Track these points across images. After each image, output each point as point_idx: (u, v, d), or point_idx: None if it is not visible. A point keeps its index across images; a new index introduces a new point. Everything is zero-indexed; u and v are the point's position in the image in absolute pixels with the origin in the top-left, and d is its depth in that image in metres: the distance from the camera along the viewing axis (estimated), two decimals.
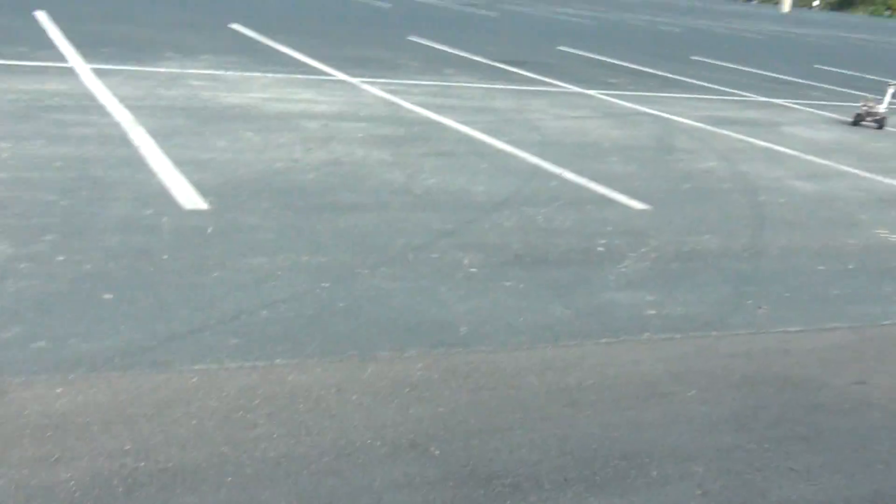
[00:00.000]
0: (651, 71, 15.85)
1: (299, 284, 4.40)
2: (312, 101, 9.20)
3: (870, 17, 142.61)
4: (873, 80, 17.72)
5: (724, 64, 19.11)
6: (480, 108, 9.98)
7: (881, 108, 12.02)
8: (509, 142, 8.28)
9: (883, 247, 6.20)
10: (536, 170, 7.34)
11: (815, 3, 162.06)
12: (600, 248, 5.48)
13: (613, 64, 16.46)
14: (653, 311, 4.56)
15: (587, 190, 6.87)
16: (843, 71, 20.50)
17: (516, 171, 7.24)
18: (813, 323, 4.63)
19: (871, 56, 29.18)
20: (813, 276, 5.41)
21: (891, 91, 12.42)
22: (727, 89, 14.15)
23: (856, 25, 61.78)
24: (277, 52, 12.75)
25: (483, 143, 8.12)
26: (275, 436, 3.09)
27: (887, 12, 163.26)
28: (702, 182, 7.53)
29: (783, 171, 8.26)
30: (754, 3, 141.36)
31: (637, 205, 6.58)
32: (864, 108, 12.05)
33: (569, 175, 7.24)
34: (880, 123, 11.91)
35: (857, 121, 12.00)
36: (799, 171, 8.36)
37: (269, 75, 10.53)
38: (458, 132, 8.50)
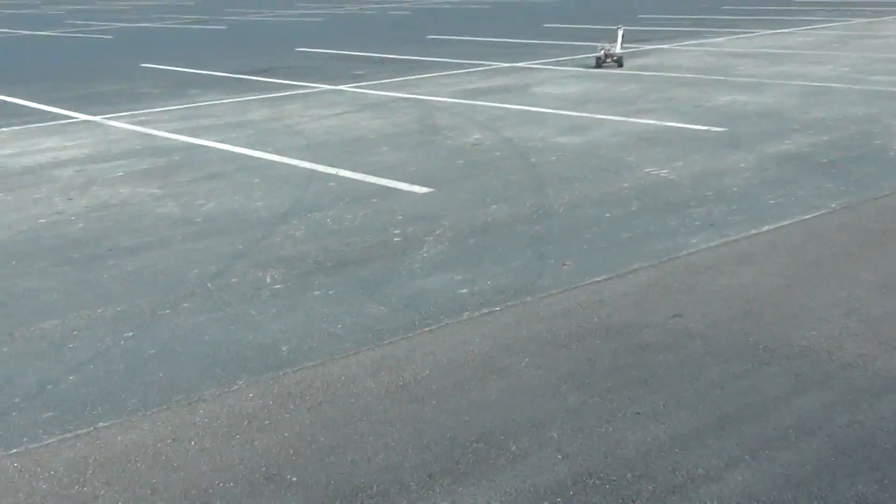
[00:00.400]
0: (394, 56, 15.95)
1: (102, 340, 4.12)
2: (59, 149, 8.69)
3: None
4: (601, 28, 18.52)
5: (461, 38, 19.51)
6: (237, 123, 9.73)
7: (617, 50, 13.24)
8: (276, 151, 8.11)
9: (656, 184, 6.47)
10: (312, 174, 7.22)
11: None
12: (397, 239, 5.44)
13: (356, 56, 16.46)
14: (465, 290, 4.57)
15: (367, 184, 6.82)
16: (571, 25, 21.36)
17: (291, 179, 7.10)
18: (616, 269, 4.76)
19: (591, 6, 30.56)
20: (602, 224, 5.57)
21: (621, 33, 13.46)
22: (471, 61, 14.43)
23: None
24: (5, 104, 11.97)
25: (250, 158, 7.92)
26: (119, 503, 2.88)
27: None
28: (474, 156, 7.63)
29: (546, 131, 8.50)
30: None
31: (419, 189, 6.59)
32: (603, 51, 13.14)
33: (345, 173, 7.17)
34: (619, 62, 12.99)
35: (599, 64, 13.00)
36: (560, 128, 8.62)
37: (4, 130, 9.88)
38: (221, 152, 8.25)
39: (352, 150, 8.03)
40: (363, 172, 7.17)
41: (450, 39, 19.20)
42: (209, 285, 4.79)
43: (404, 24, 25.91)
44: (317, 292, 4.64)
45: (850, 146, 7.38)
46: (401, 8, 34.82)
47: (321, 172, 7.26)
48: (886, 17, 19.59)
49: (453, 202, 6.21)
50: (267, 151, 8.11)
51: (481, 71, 13.27)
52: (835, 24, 18.68)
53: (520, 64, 13.86)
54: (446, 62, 14.57)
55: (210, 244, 5.52)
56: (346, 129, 9.04)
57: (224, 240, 5.59)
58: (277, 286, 4.74)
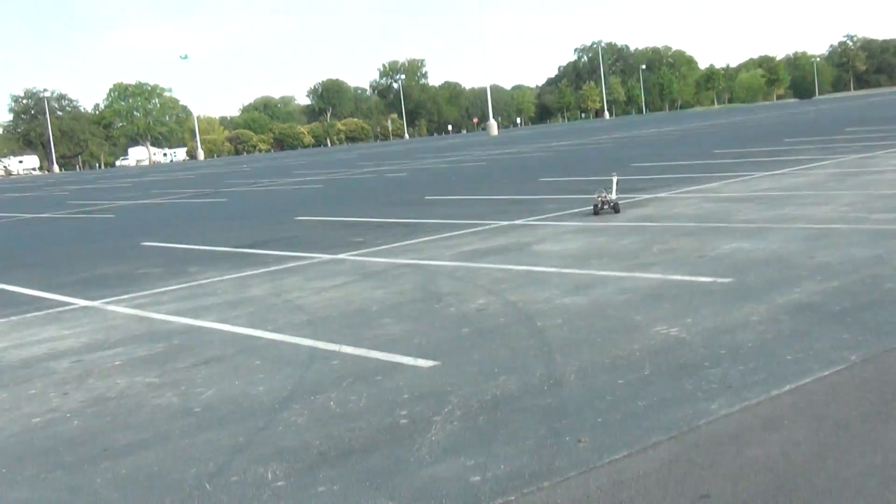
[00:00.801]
0: (393, 220, 16.03)
1: None
2: (56, 338, 8.54)
3: (569, 122, 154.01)
4: (595, 180, 18.69)
5: (458, 197, 19.69)
6: (236, 300, 9.61)
7: (612, 196, 14.06)
8: (276, 329, 7.96)
9: (668, 344, 6.28)
10: (313, 353, 7.04)
11: (518, 120, 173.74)
12: (404, 421, 5.22)
13: (355, 222, 16.55)
14: (478, 477, 4.32)
15: (370, 360, 6.63)
16: (566, 178, 21.58)
17: (293, 359, 6.92)
18: (635, 443, 4.52)
19: (583, 159, 31.03)
20: (616, 392, 5.36)
21: (615, 180, 14.57)
22: (469, 221, 14.47)
23: (559, 133, 65.94)
24: (3, 292, 11.90)
25: (250, 338, 7.75)
26: None
27: (583, 115, 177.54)
28: (479, 323, 7.46)
29: (550, 292, 8.36)
30: (463, 132, 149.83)
31: (424, 363, 6.40)
32: (600, 198, 13.97)
33: (347, 349, 6.99)
34: (615, 209, 13.81)
35: (597, 211, 13.88)
36: (564, 288, 8.49)
37: (0, 321, 9.75)
38: (221, 333, 8.09)
39: (353, 324, 7.87)
40: (366, 347, 6.99)
41: (448, 199, 19.37)
42: (207, 486, 4.54)
43: (402, 187, 26.23)
44: (321, 488, 4.39)
45: (861, 292, 7.22)
46: (398, 170, 35.38)
47: (323, 350, 7.08)
48: (878, 152, 19.81)
49: (460, 376, 6.01)
50: (267, 330, 7.95)
51: (481, 231, 13.27)
52: (827, 161, 18.87)
53: (518, 221, 13.88)
54: (445, 223, 14.61)
55: (209, 437, 5.29)
56: (347, 302, 8.91)
57: (224, 431, 5.36)
58: (279, 483, 4.49)
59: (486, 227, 13.69)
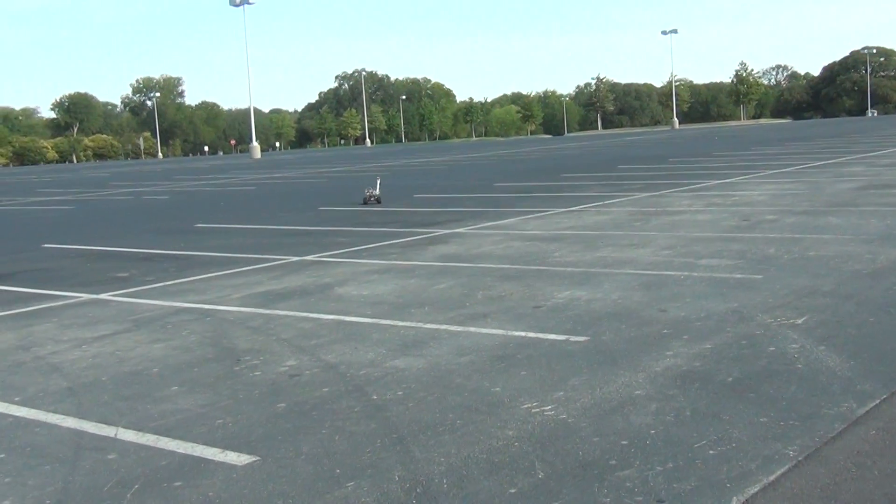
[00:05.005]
0: (162, 252, 14.07)
1: None
2: None
3: (331, 148, 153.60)
4: (388, 211, 17.40)
5: (233, 226, 17.89)
6: None
7: (377, 192, 19.85)
8: (26, 401, 6.12)
9: (548, 430, 4.99)
10: (79, 439, 5.29)
11: (277, 144, 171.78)
12: None
13: (116, 253, 14.46)
14: None
15: (161, 453, 4.97)
16: (347, 207, 20.20)
17: (51, 449, 5.14)
18: None
19: (359, 187, 29.78)
20: None
21: (378, 182, 20.64)
22: (254, 255, 12.79)
23: (325, 159, 64.58)
24: None
25: None
26: None
27: (342, 141, 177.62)
28: (296, 395, 5.93)
29: (375, 351, 6.93)
30: (220, 154, 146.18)
31: (238, 458, 4.82)
32: (368, 193, 19.85)
33: (127, 434, 5.30)
34: (378, 200, 19.65)
35: (365, 201, 19.60)
36: (390, 345, 7.09)
37: None
38: None
39: (130, 395, 6.14)
40: (152, 432, 5.32)
41: (223, 228, 17.55)
42: None
43: (166, 212, 24.02)
44: None
45: (745, 357, 6.23)
46: (158, 192, 32.88)
47: (93, 435, 5.35)
48: (665, 191, 19.61)
49: (291, 480, 4.48)
50: (13, 402, 6.10)
51: (269, 267, 11.64)
52: (618, 199, 18.45)
53: (309, 257, 12.34)
54: (225, 257, 12.87)
55: None
56: (118, 360, 7.13)
57: None
58: None
59: (275, 262, 12.06)
